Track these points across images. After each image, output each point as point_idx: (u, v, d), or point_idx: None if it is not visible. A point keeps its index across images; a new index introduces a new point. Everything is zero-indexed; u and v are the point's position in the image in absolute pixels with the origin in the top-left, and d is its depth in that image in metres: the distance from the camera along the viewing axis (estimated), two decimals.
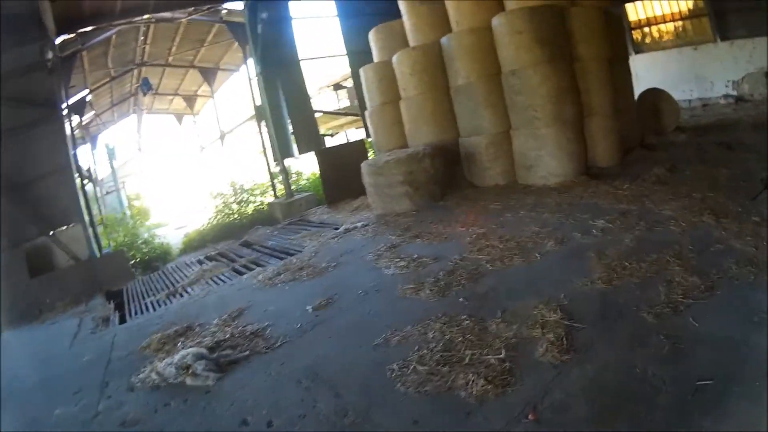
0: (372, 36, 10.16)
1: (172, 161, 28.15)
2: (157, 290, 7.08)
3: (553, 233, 5.01)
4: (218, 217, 14.58)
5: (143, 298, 6.86)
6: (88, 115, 18.46)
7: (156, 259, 12.24)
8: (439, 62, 8.49)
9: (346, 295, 4.58)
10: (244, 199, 15.11)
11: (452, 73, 8.35)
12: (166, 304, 6.13)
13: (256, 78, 12.63)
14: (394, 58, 8.97)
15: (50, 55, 7.89)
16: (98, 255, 8.92)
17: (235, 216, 14.39)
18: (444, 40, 8.36)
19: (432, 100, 8.65)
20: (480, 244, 5.14)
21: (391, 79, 9.14)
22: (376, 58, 10.17)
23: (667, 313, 3.02)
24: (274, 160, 13.35)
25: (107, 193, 24.27)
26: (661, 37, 15.76)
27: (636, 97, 9.98)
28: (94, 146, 21.93)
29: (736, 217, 4.33)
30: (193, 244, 13.05)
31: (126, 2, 10.71)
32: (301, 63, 12.44)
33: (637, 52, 16.01)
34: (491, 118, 7.91)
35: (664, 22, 15.49)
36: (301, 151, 11.99)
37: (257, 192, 15.45)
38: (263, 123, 13.37)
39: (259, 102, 12.82)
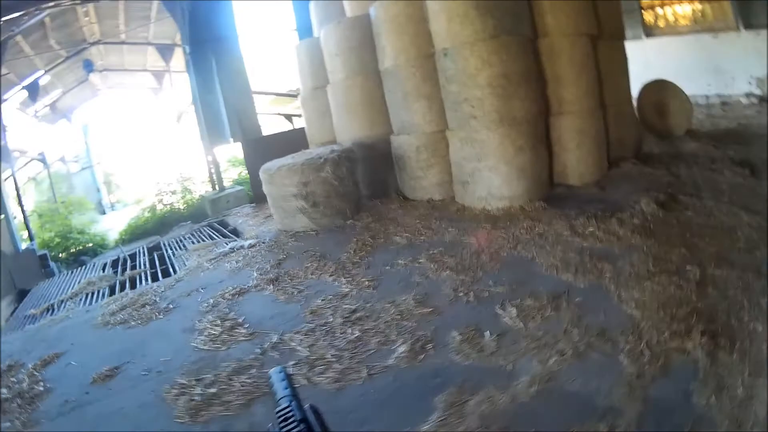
0: (311, 8, 8.46)
1: (147, 138, 26.52)
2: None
3: (423, 324, 3.36)
4: (156, 207, 13.36)
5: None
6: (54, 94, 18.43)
7: (87, 252, 11.42)
8: (369, 39, 6.62)
9: (134, 368, 3.64)
10: (180, 190, 13.59)
11: (380, 53, 6.47)
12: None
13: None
14: (321, 34, 7.29)
15: None
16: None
17: (172, 207, 13.13)
18: (371, 10, 6.49)
19: (359, 86, 6.83)
20: (318, 318, 3.74)
21: (323, 60, 7.43)
22: (315, 35, 8.31)
23: None
24: (204, 148, 11.51)
25: (83, 168, 23.66)
26: (676, 20, 13.38)
27: (638, 89, 7.95)
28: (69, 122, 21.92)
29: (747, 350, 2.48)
30: (136, 233, 12.00)
31: None
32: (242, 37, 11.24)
33: (647, 36, 13.69)
34: (424, 113, 6.04)
35: (680, 2, 13.09)
36: (235, 138, 10.64)
37: (194, 182, 13.73)
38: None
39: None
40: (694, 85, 12.34)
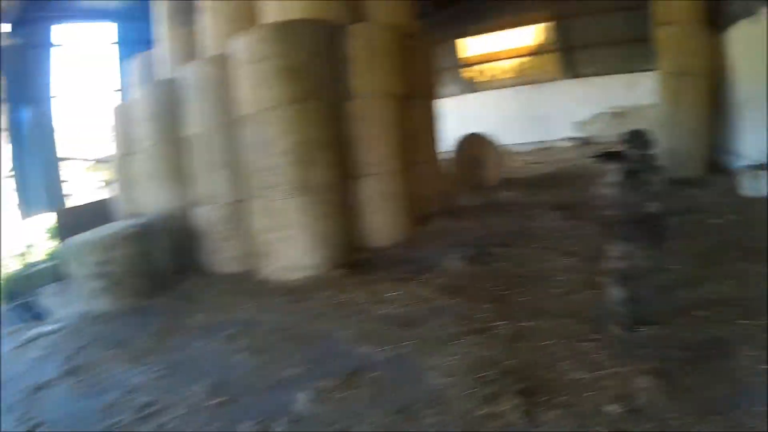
0: (132, 68, 8.23)
1: None
2: None
3: (216, 416, 3.02)
4: None
5: None
6: None
7: None
8: (180, 104, 6.24)
9: None
10: None
11: (188, 118, 6.10)
12: None
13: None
14: (136, 96, 6.91)
15: None
16: None
17: None
18: (182, 73, 6.20)
19: (167, 155, 6.36)
20: (110, 415, 3.24)
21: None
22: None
23: None
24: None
25: None
26: (499, 74, 14.58)
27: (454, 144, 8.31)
28: None
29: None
30: None
31: None
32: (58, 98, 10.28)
33: (470, 91, 14.78)
34: (226, 182, 5.75)
35: (505, 58, 14.35)
36: (26, 212, 9.62)
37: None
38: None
39: None
40: (516, 134, 13.50)
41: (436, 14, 14.31)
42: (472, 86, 14.75)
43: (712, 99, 7.21)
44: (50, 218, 9.88)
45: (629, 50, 12.36)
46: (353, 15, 6.09)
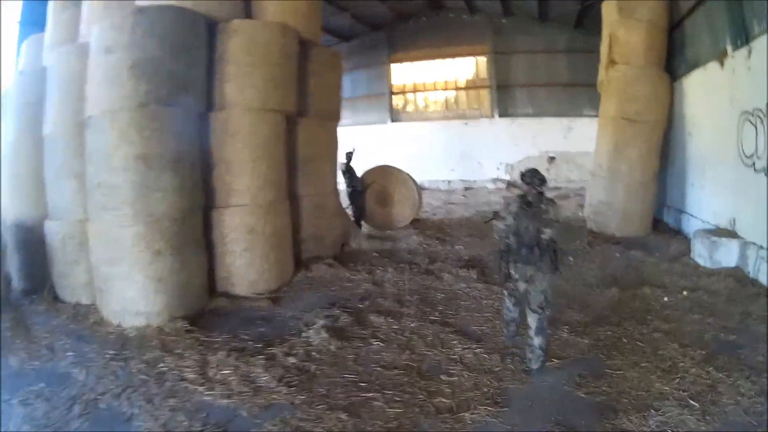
0: (21, 52, 6.80)
1: None
2: None
3: None
4: None
5: None
6: None
7: None
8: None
9: None
10: None
11: (45, 115, 5.02)
12: None
13: None
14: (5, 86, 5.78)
15: None
16: None
17: None
18: (48, 61, 5.15)
19: (27, 153, 5.16)
20: None
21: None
22: None
23: None
24: None
25: None
26: (427, 106, 13.89)
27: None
28: None
29: None
30: None
31: None
32: None
33: (395, 120, 13.98)
34: (73, 196, 4.61)
35: (438, 90, 13.64)
36: None
37: None
38: None
39: None
40: (441, 170, 12.89)
41: (369, 35, 13.63)
42: (399, 115, 14.02)
43: (662, 151, 6.49)
44: None
45: (568, 93, 12.07)
46: (245, 12, 5.12)
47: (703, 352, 3.23)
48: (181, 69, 4.31)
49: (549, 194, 3.27)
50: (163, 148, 4.13)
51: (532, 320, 3.13)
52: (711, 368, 3.01)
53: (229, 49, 4.72)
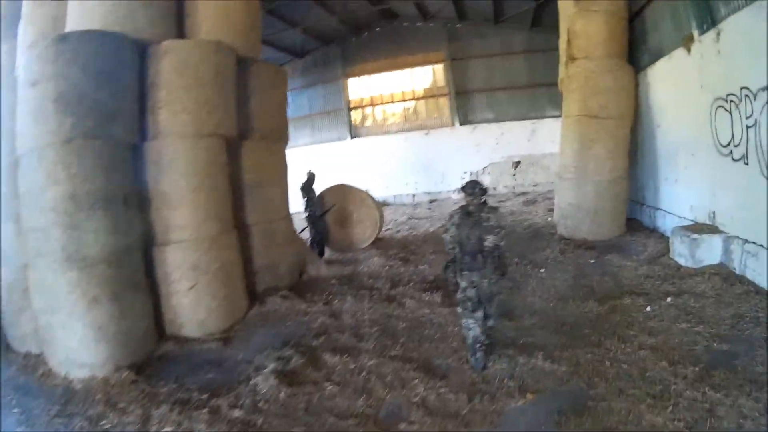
0: None
1: None
2: None
3: None
4: None
5: None
6: None
7: None
8: None
9: None
10: None
11: None
12: None
13: None
14: None
15: None
16: None
17: None
18: None
19: None
20: None
21: None
22: None
23: None
24: None
25: None
26: (386, 119, 13.45)
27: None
28: None
29: None
30: None
31: None
32: None
33: (354, 136, 13.52)
34: (13, 240, 4.26)
35: (395, 101, 13.24)
36: None
37: None
38: None
39: None
40: (403, 184, 12.54)
41: (323, 49, 13.27)
42: (358, 130, 13.55)
43: (631, 146, 6.17)
44: None
45: (528, 94, 11.81)
46: (179, 32, 4.68)
47: (696, 369, 2.87)
48: (108, 98, 3.90)
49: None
50: (92, 185, 3.73)
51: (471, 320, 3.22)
52: (707, 388, 2.64)
53: (160, 73, 4.29)
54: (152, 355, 3.96)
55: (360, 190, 7.10)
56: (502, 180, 11.89)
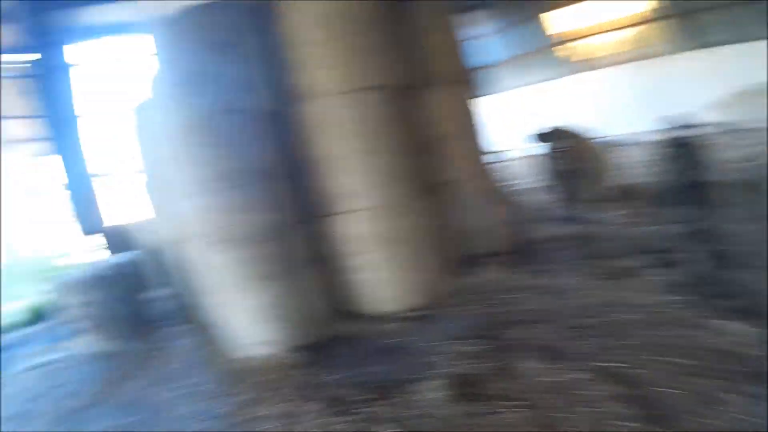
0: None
1: None
2: None
3: None
4: None
5: None
6: None
7: None
8: None
9: None
10: None
11: None
12: None
13: None
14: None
15: None
16: None
17: None
18: None
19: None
20: None
21: None
22: None
23: None
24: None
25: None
26: (600, 50, 11.56)
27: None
28: None
29: None
30: None
31: None
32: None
33: (563, 75, 11.98)
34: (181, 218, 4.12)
35: (606, 31, 11.34)
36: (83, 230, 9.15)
37: None
38: None
39: None
40: (625, 121, 10.49)
41: None
42: (564, 68, 11.96)
43: None
44: (95, 238, 9.39)
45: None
46: None
47: None
48: (238, 69, 3.61)
49: None
50: (234, 162, 3.51)
51: None
52: None
53: (297, 29, 3.79)
54: (327, 334, 3.62)
55: (583, 133, 5.96)
56: (755, 111, 8.90)
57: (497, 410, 2.32)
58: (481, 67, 11.20)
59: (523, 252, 4.34)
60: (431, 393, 2.59)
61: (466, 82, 4.75)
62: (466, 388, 2.56)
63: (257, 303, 3.49)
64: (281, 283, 3.51)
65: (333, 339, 3.56)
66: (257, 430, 2.68)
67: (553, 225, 5.12)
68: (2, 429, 3.51)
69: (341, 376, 3.00)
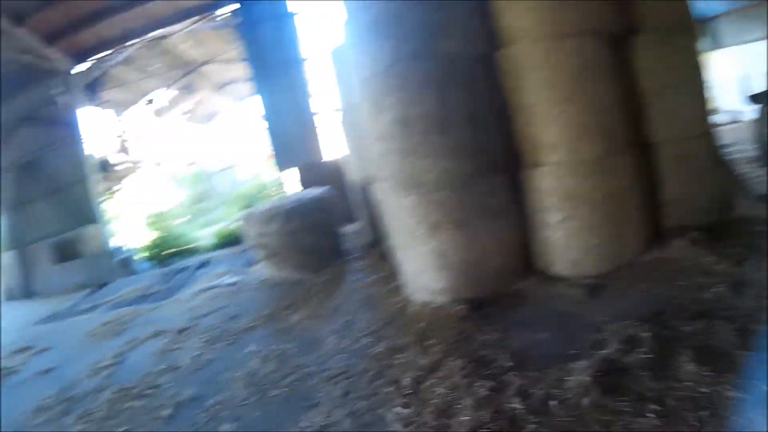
0: None
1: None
2: None
3: None
4: None
5: None
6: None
7: (179, 255, 11.54)
8: None
9: None
10: None
11: None
12: None
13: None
14: None
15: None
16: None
17: None
18: None
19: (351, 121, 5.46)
20: None
21: None
22: None
23: None
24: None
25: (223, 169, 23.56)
26: None
27: None
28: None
29: None
30: (223, 242, 11.36)
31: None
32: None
33: None
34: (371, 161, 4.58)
35: None
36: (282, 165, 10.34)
37: None
38: None
39: None
40: None
41: None
42: None
43: None
44: (295, 173, 10.13)
45: None
46: None
47: None
48: (431, 12, 3.50)
49: None
50: (423, 108, 3.48)
51: None
52: None
53: None
54: (506, 290, 3.56)
55: None
56: None
57: (631, 412, 2.13)
58: (700, 20, 9.86)
59: (721, 231, 3.75)
60: (573, 376, 2.44)
61: (684, 32, 4.16)
62: (613, 378, 2.36)
63: (433, 250, 3.55)
64: (459, 232, 3.51)
65: (512, 294, 3.51)
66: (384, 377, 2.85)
67: (761, 203, 4.42)
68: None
69: (497, 337, 2.98)
